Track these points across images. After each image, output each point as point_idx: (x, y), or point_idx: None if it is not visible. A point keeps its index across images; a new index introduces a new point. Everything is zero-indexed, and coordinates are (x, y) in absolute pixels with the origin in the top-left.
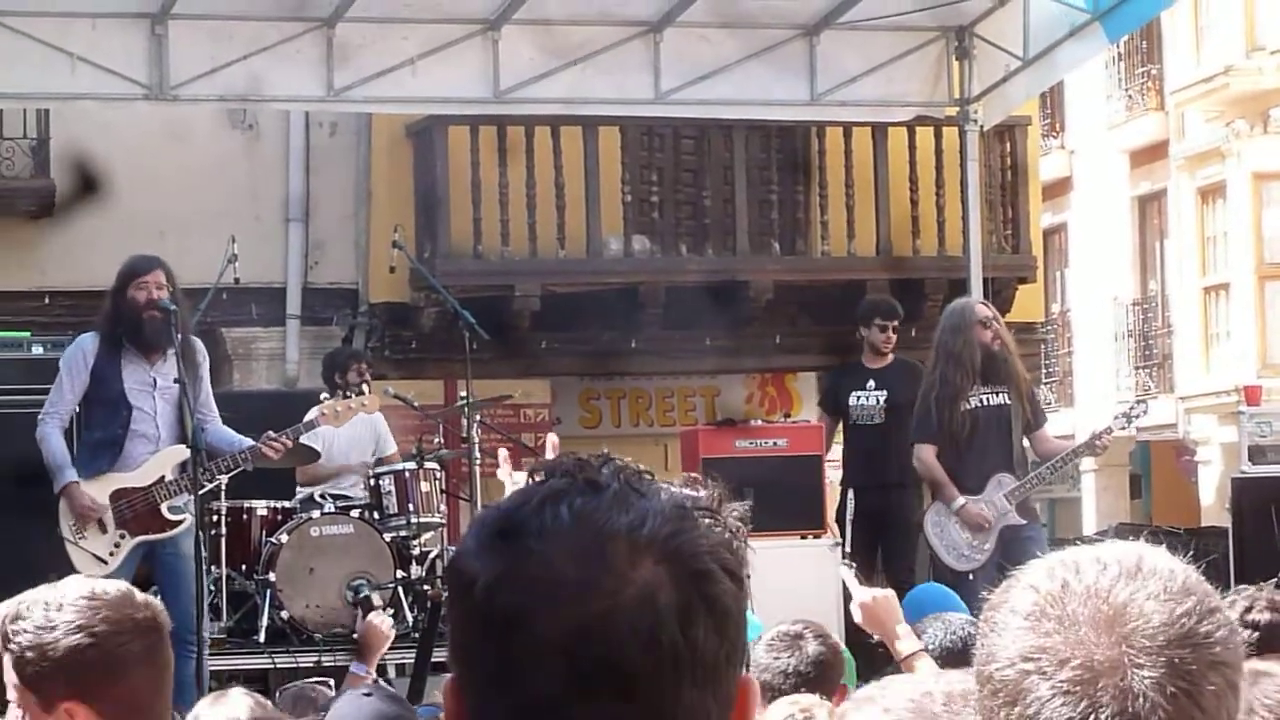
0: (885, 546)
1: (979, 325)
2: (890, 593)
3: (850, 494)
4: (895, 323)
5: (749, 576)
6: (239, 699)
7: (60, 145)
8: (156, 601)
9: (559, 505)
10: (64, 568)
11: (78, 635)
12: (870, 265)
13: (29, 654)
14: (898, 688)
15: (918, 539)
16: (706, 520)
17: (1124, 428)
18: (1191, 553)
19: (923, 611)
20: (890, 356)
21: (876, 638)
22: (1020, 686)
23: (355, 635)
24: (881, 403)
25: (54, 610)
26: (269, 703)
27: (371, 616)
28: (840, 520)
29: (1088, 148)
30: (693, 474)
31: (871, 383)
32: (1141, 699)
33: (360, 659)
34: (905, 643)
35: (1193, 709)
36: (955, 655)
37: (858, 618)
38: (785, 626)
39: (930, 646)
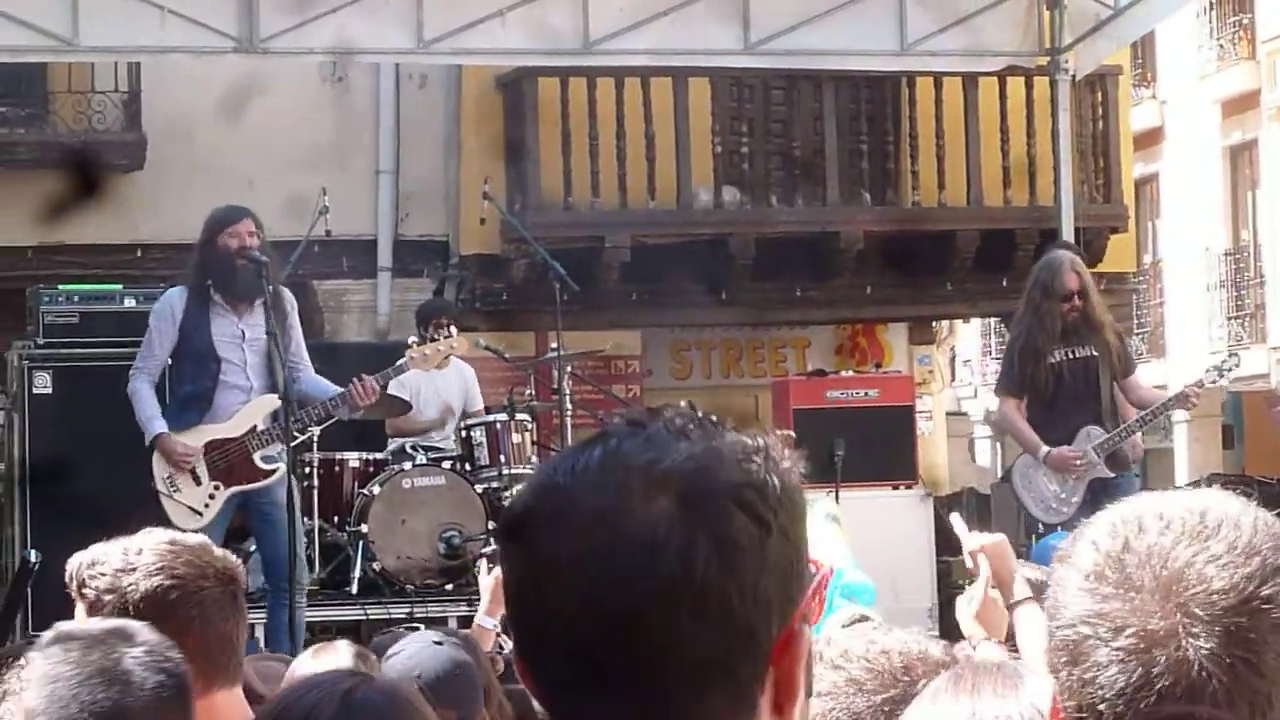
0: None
1: (1062, 300)
2: (1001, 537)
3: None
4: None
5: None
6: (344, 650)
7: (151, 98)
8: (233, 556)
9: (595, 446)
10: (156, 517)
11: (158, 576)
12: (961, 215)
13: (106, 597)
14: (851, 644)
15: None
16: (749, 463)
17: (1215, 381)
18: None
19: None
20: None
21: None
22: (1079, 649)
23: (449, 586)
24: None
25: (133, 554)
26: (374, 656)
27: (495, 569)
28: None
29: (1179, 97)
30: (781, 430)
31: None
32: (1197, 668)
33: (486, 612)
34: (1016, 588)
35: (1252, 676)
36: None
37: (969, 564)
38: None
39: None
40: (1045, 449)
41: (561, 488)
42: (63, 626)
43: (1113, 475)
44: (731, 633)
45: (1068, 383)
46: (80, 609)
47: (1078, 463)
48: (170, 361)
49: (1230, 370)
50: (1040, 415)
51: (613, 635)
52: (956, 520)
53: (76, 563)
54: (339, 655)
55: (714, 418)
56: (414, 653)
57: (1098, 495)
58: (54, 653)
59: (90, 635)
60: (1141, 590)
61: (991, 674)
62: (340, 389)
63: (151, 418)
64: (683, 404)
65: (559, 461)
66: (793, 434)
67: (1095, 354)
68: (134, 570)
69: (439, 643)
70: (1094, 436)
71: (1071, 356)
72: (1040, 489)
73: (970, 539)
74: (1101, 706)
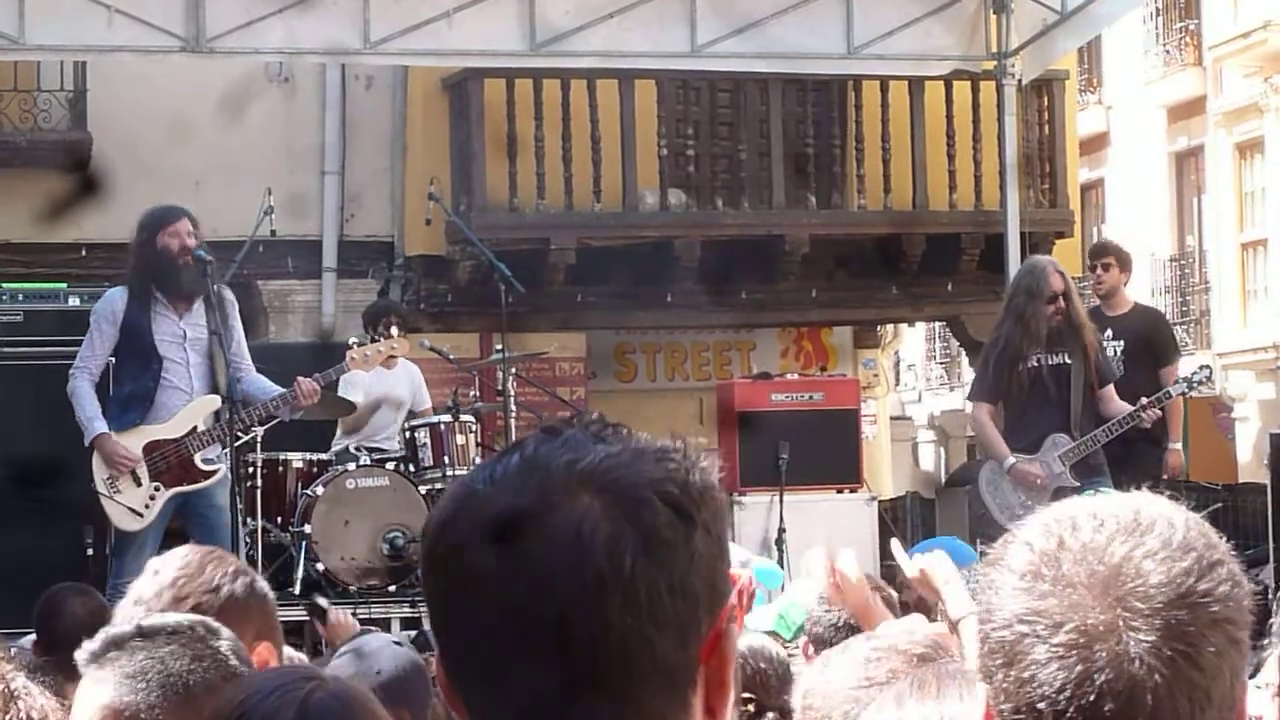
0: None
1: (1047, 301)
2: (941, 553)
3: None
4: (1104, 260)
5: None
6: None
7: (96, 98)
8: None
9: (512, 453)
10: (99, 519)
11: (243, 578)
12: (906, 219)
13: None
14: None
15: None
16: (668, 461)
17: (1185, 393)
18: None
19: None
20: (1130, 302)
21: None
22: (1016, 649)
23: (392, 587)
24: (1119, 354)
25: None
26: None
27: (330, 614)
28: None
29: (1125, 103)
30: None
31: (1109, 331)
32: (1138, 663)
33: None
34: (954, 606)
35: (1191, 670)
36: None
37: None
38: None
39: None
40: (1010, 460)
41: (480, 494)
42: (140, 621)
43: (1077, 484)
44: (663, 629)
45: (1040, 388)
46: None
47: (1038, 481)
48: (111, 361)
49: (1202, 383)
50: (1011, 420)
51: (544, 639)
52: (896, 546)
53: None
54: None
55: (626, 429)
56: (373, 651)
57: None
58: (146, 645)
59: (179, 625)
60: (1079, 585)
61: (955, 678)
62: (282, 390)
63: (92, 418)
64: (595, 414)
65: (476, 471)
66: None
67: (1069, 361)
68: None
69: (398, 643)
70: (1059, 445)
71: (1046, 363)
72: (1005, 495)
73: (907, 563)
74: (1041, 705)
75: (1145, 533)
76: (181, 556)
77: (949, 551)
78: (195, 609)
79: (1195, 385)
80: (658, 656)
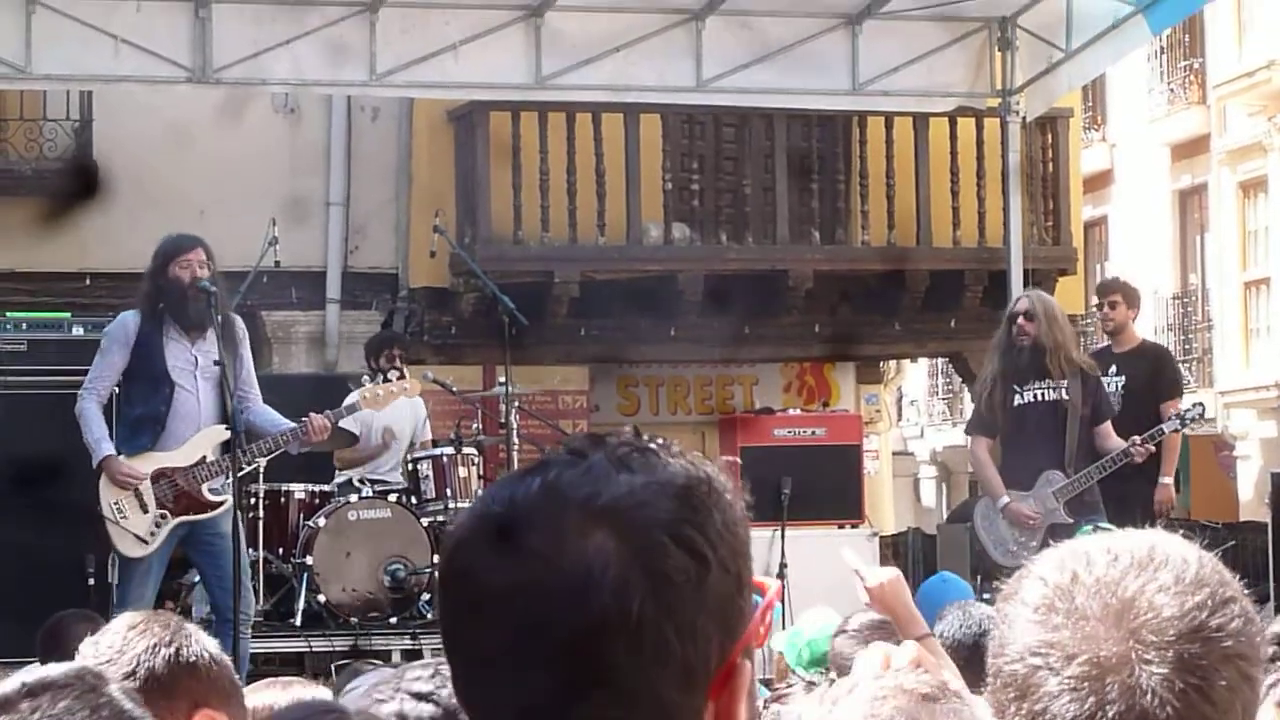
0: None
1: (1009, 321)
2: (897, 573)
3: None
4: (1111, 298)
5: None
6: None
7: (102, 127)
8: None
9: (534, 477)
10: (102, 547)
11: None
12: (910, 255)
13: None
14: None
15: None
16: (690, 497)
17: (1178, 430)
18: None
19: (944, 599)
20: (1137, 339)
21: None
22: (1029, 681)
23: (393, 619)
24: (1119, 390)
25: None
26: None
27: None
28: None
29: (1129, 141)
30: (729, 458)
31: (1114, 368)
32: (1150, 695)
33: None
34: (912, 626)
35: (1203, 704)
36: (965, 647)
37: (863, 599)
38: (866, 617)
39: (944, 635)
40: (1005, 499)
41: (499, 518)
42: (22, 678)
43: (1071, 521)
44: (669, 669)
45: (1034, 423)
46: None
47: (1031, 522)
48: (119, 384)
49: (1194, 420)
50: (1006, 454)
51: (549, 669)
52: (849, 555)
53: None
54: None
55: (659, 443)
56: (361, 695)
57: (1061, 540)
58: (39, 704)
59: (64, 678)
60: (1092, 618)
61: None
62: (291, 423)
63: (100, 439)
64: (628, 429)
65: (497, 490)
66: (738, 460)
67: (1066, 397)
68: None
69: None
70: (1054, 481)
71: (1039, 399)
72: (1000, 531)
73: (868, 574)
74: None
75: (1159, 568)
76: (109, 637)
77: (948, 585)
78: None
79: (1187, 422)
80: (661, 695)
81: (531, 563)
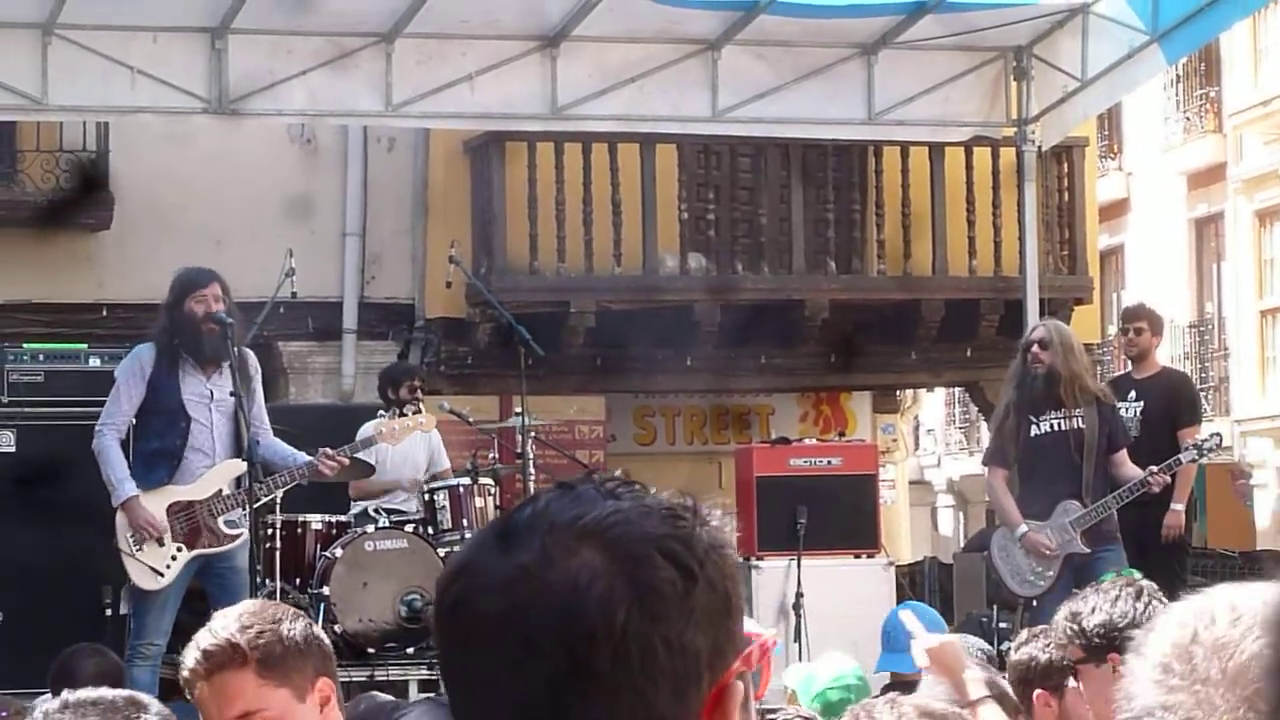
0: (1146, 566)
1: (1024, 350)
2: (955, 638)
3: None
4: (1136, 324)
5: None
6: None
7: (118, 159)
8: None
9: (525, 507)
10: (117, 579)
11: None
12: (926, 285)
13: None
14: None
15: (1181, 558)
16: (676, 518)
17: (1195, 460)
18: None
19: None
20: (1158, 366)
21: None
22: None
23: (410, 650)
24: (1137, 415)
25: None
26: None
27: None
28: None
29: (1145, 169)
30: (717, 499)
31: (1133, 393)
32: None
33: None
34: (971, 688)
35: None
36: None
37: (921, 662)
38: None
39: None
40: (1023, 528)
41: (490, 547)
42: (64, 699)
43: (1088, 551)
44: (658, 684)
45: (1049, 455)
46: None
47: (1048, 552)
48: (134, 418)
49: (1211, 450)
50: (1022, 484)
51: (540, 695)
52: (909, 618)
53: (209, 636)
54: None
55: (642, 487)
56: (422, 713)
57: (1078, 570)
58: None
59: (104, 700)
60: (1208, 682)
61: None
62: (306, 457)
63: (122, 480)
64: (618, 472)
65: (492, 524)
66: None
67: (1083, 426)
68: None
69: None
70: (1071, 511)
71: (1055, 429)
72: (1017, 561)
73: (923, 637)
74: None
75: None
76: (240, 609)
77: (916, 614)
78: (259, 638)
79: (1205, 452)
80: (652, 710)
81: (522, 582)
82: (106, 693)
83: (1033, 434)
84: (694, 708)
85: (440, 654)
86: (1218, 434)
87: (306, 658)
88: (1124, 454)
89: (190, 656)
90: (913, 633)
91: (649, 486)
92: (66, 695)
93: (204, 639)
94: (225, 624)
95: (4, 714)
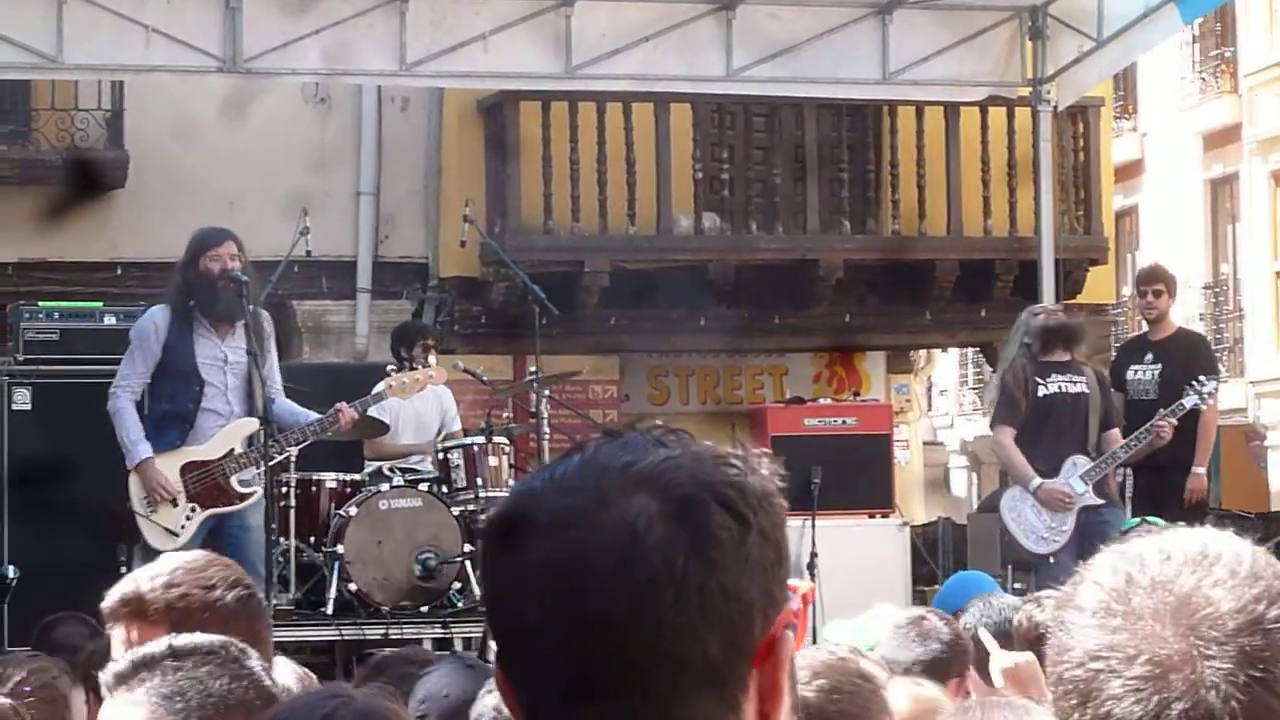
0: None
1: (1031, 315)
2: (1031, 656)
3: (1128, 474)
4: (1155, 286)
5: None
6: (285, 667)
7: (134, 117)
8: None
9: (573, 455)
10: (131, 538)
11: (237, 590)
12: (941, 245)
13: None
14: None
15: (1203, 521)
16: (728, 465)
17: (1195, 404)
18: (1260, 537)
19: (966, 595)
20: (1174, 327)
21: None
22: (1091, 686)
23: (424, 608)
24: (1156, 377)
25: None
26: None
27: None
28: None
29: (1160, 130)
30: (763, 449)
31: (1149, 355)
32: (1214, 690)
33: None
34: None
35: (1268, 697)
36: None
37: (998, 681)
38: (910, 613)
39: (968, 626)
40: (1037, 481)
41: (538, 493)
42: (171, 642)
43: (1101, 502)
44: (715, 631)
45: (1057, 414)
46: (122, 632)
47: (1067, 499)
48: (149, 379)
49: (1210, 394)
50: (1029, 445)
51: (594, 638)
52: (984, 635)
53: (133, 583)
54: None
55: (688, 434)
56: (446, 673)
57: (1085, 525)
58: (181, 665)
59: (212, 645)
60: (1150, 618)
61: (1001, 708)
62: (316, 414)
63: (136, 441)
64: (659, 422)
65: (538, 471)
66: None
67: (1086, 391)
68: (214, 586)
69: (471, 666)
70: (1080, 465)
71: (1063, 390)
72: (1030, 520)
73: (999, 655)
74: None
75: (1213, 564)
76: (190, 556)
77: (972, 582)
78: (184, 599)
79: (1205, 398)
80: (708, 657)
81: (574, 529)
82: (211, 639)
83: (1040, 394)
84: (747, 655)
85: (485, 596)
86: (1214, 378)
87: (230, 628)
88: (1117, 433)
89: (113, 595)
90: (989, 650)
91: (693, 436)
92: (171, 643)
93: (127, 585)
94: (155, 575)
95: (27, 690)
